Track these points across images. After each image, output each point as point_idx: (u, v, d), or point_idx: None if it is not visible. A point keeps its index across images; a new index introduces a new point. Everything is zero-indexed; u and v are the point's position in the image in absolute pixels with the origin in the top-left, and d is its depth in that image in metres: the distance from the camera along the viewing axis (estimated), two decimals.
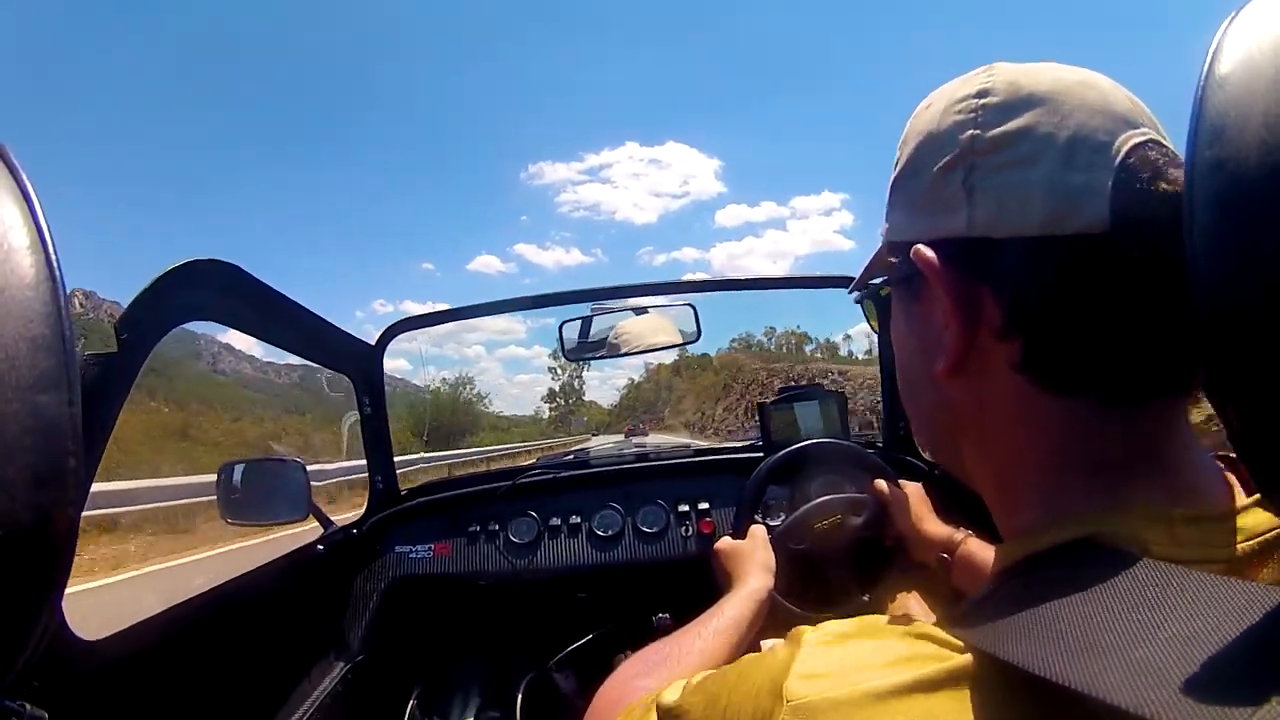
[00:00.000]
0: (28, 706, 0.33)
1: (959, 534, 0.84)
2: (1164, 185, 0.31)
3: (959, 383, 0.35)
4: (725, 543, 0.97)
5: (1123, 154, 0.31)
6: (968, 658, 0.26)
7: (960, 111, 0.35)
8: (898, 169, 0.38)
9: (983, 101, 0.34)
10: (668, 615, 1.18)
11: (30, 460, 0.25)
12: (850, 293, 0.48)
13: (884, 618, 0.32)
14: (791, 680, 0.29)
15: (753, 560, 0.90)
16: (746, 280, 1.46)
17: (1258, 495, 0.30)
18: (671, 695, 0.37)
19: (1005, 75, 0.35)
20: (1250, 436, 0.22)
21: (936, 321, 0.35)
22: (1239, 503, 0.30)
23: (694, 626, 0.74)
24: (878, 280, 0.42)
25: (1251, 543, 0.29)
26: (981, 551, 0.79)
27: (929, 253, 0.34)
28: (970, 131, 0.34)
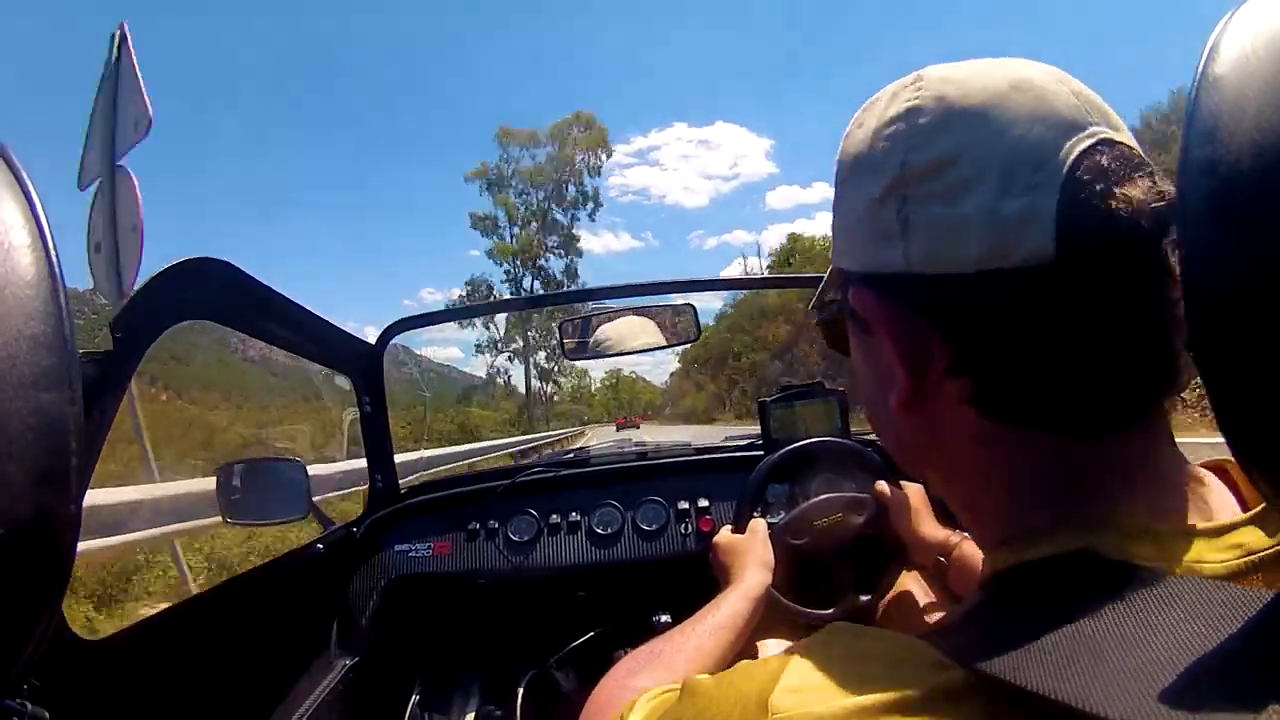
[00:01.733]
0: (28, 705, 0.33)
1: (955, 537, 0.84)
2: (1114, 204, 0.28)
3: (913, 416, 0.34)
4: (724, 537, 0.96)
5: (1068, 165, 0.29)
6: (957, 673, 0.26)
7: (889, 137, 0.33)
8: (834, 195, 0.37)
9: (911, 125, 0.32)
10: (668, 617, 1.18)
11: (32, 458, 0.25)
12: (809, 317, 0.47)
13: (876, 630, 0.32)
14: (777, 694, 0.28)
15: (751, 556, 0.89)
16: (747, 281, 1.47)
17: (1252, 512, 0.29)
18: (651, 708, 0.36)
19: (933, 88, 0.32)
20: (1252, 439, 0.22)
21: (885, 357, 0.33)
22: (1233, 519, 0.29)
23: (690, 624, 0.74)
24: (831, 306, 0.41)
25: (1245, 559, 0.28)
26: (976, 555, 0.79)
27: (868, 296, 0.33)
28: (899, 158, 0.32)
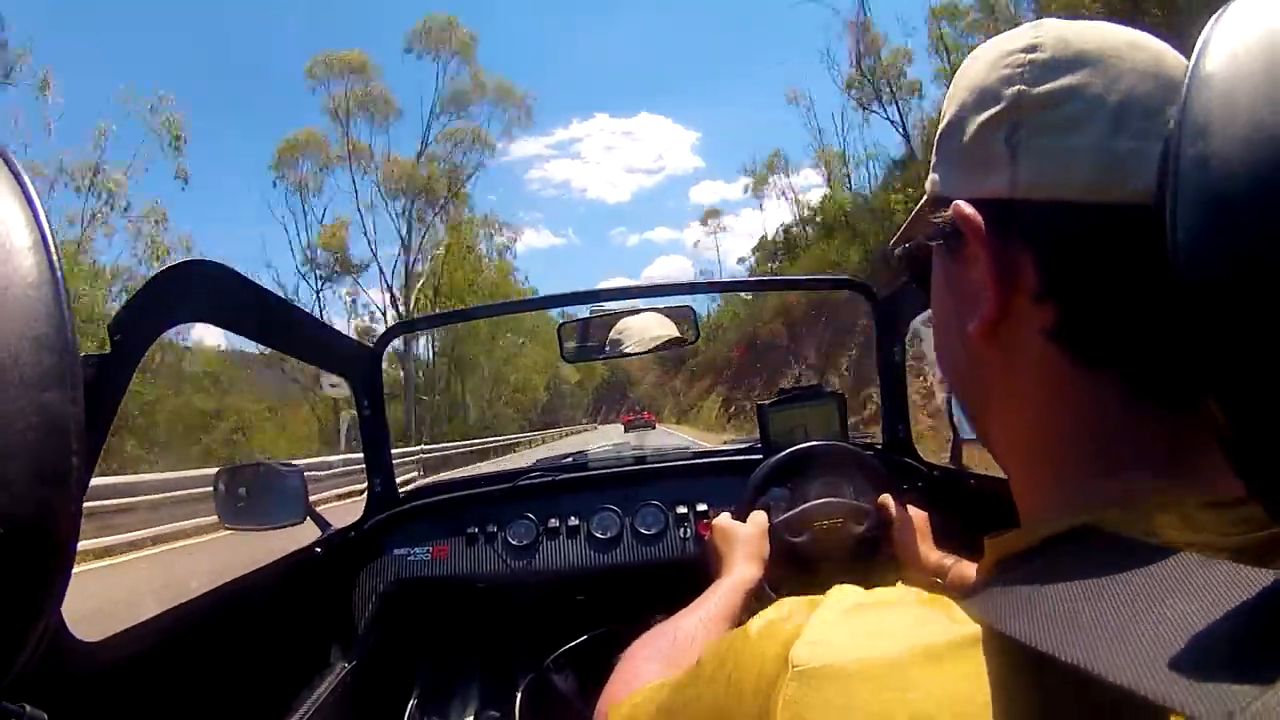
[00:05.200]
0: (27, 707, 0.33)
1: (949, 560, 0.85)
2: None
3: (991, 346, 0.35)
4: (724, 520, 0.97)
5: (1175, 122, 0.30)
6: (973, 630, 0.27)
7: (1007, 66, 0.34)
8: (944, 122, 0.38)
9: (1030, 57, 0.33)
10: (663, 618, 1.18)
11: (34, 458, 0.26)
12: (892, 248, 0.47)
13: (900, 588, 0.32)
14: (799, 646, 0.29)
15: (748, 546, 0.90)
16: (746, 282, 1.47)
17: None
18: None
19: (1054, 31, 0.34)
20: (1236, 432, 0.23)
21: (974, 281, 0.34)
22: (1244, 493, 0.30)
23: (687, 613, 0.75)
24: (920, 236, 0.41)
25: (1263, 533, 0.28)
26: (970, 578, 0.79)
27: (969, 210, 0.34)
28: (1016, 88, 0.33)
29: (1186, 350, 0.24)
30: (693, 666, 0.37)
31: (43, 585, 0.27)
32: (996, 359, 0.35)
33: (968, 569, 0.81)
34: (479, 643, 1.44)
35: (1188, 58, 0.25)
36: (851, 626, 0.29)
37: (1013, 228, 0.33)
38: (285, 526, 1.12)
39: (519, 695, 1.32)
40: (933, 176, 0.39)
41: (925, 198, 0.41)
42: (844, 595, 0.32)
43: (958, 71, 0.38)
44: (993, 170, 0.33)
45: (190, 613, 0.77)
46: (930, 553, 0.89)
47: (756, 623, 0.34)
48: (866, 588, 0.32)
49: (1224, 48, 0.24)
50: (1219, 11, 0.25)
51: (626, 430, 29.30)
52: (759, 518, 0.96)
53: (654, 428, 31.72)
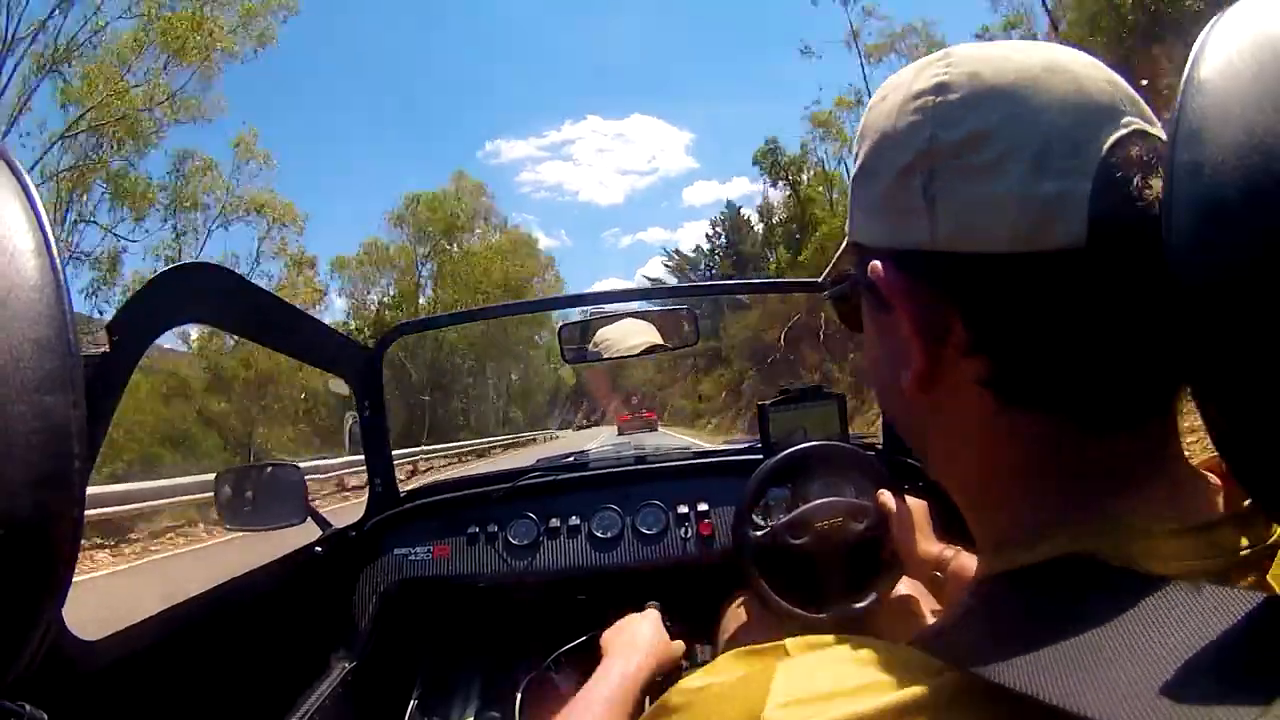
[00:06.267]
0: (27, 707, 0.33)
1: (950, 552, 0.84)
2: (1148, 194, 0.28)
3: (927, 396, 0.33)
4: (624, 620, 0.94)
5: (1103, 154, 0.29)
6: (948, 678, 0.26)
7: (916, 111, 0.32)
8: (856, 165, 0.36)
9: (939, 100, 0.31)
10: (657, 603, 1.18)
11: (35, 461, 0.26)
12: (820, 286, 0.47)
13: (859, 638, 0.30)
14: (770, 710, 0.27)
15: (640, 637, 0.87)
16: (748, 283, 1.48)
17: (1243, 506, 0.29)
18: None
19: (964, 65, 0.31)
20: (1233, 437, 0.23)
21: (902, 333, 0.33)
22: (1218, 516, 0.29)
23: (584, 697, 0.72)
24: (846, 282, 0.40)
25: (1227, 558, 0.27)
26: (972, 570, 0.78)
27: (887, 271, 0.32)
28: (928, 133, 0.31)
29: (1180, 352, 0.24)
30: (655, 708, 0.34)
31: (44, 586, 0.27)
32: (933, 407, 0.34)
33: (968, 561, 0.80)
34: (479, 642, 1.44)
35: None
36: (821, 683, 0.28)
37: (935, 281, 0.31)
38: (286, 526, 1.12)
39: (519, 695, 1.32)
40: (851, 221, 0.37)
41: (846, 242, 0.39)
42: (810, 647, 0.31)
43: (867, 108, 0.35)
44: (911, 221, 0.31)
45: (190, 612, 0.77)
46: (931, 545, 0.87)
47: (713, 682, 0.31)
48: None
49: (1218, 54, 0.24)
50: (1215, 18, 0.25)
51: (621, 433, 24.41)
52: (650, 611, 0.96)
53: (655, 429, 27.10)
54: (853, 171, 0.36)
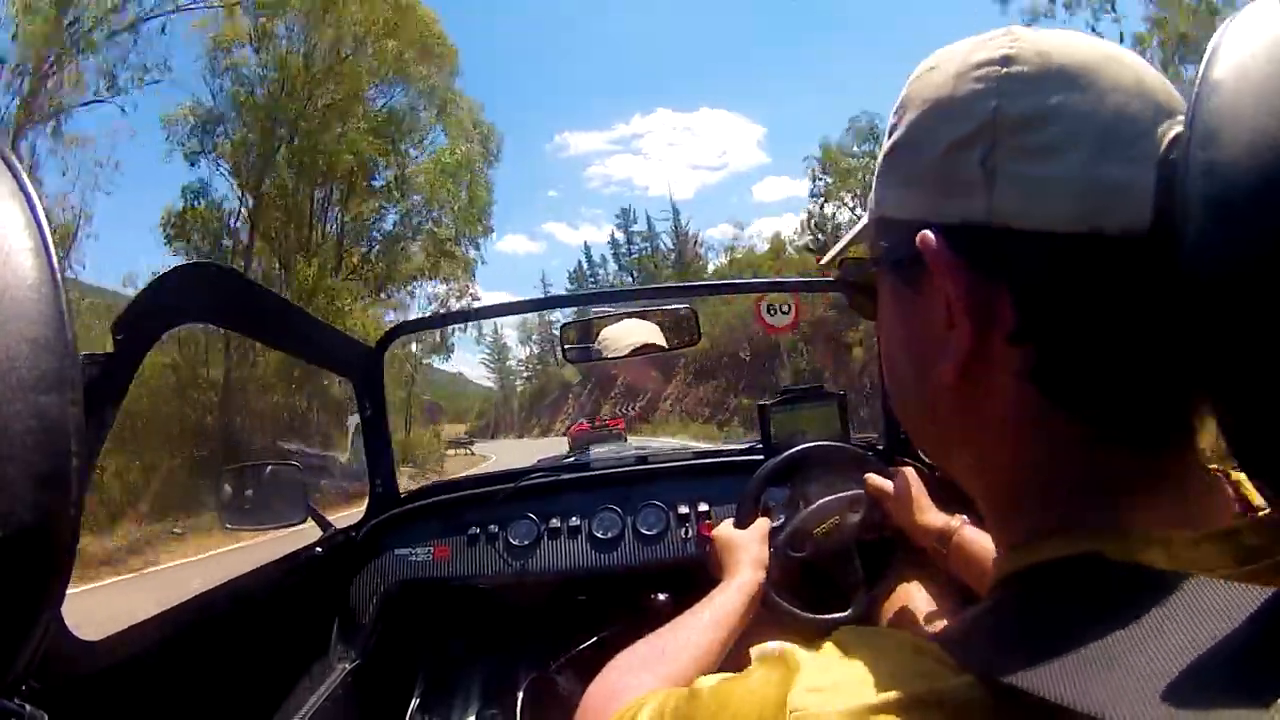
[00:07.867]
0: (27, 707, 0.33)
1: (954, 520, 0.82)
2: None
3: (962, 385, 0.31)
4: (724, 530, 0.96)
5: (1164, 146, 0.28)
6: (968, 678, 0.26)
7: (979, 79, 0.30)
8: (894, 138, 0.34)
9: (1007, 70, 0.30)
10: (665, 596, 1.18)
11: (33, 460, 0.26)
12: (824, 269, 0.46)
13: (887, 630, 0.31)
14: (796, 693, 0.28)
15: (746, 552, 0.89)
16: (747, 283, 1.47)
17: (1254, 514, 0.29)
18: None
19: (1030, 42, 0.30)
20: (1248, 437, 0.23)
21: (937, 317, 0.31)
22: (1236, 522, 0.29)
23: (686, 618, 0.74)
24: (863, 262, 0.39)
25: (1250, 566, 0.27)
26: (976, 538, 0.77)
27: (937, 242, 0.30)
28: (992, 103, 0.30)
29: (1194, 354, 0.23)
30: (687, 694, 0.34)
31: (42, 587, 0.27)
32: (964, 401, 0.32)
33: (971, 534, 0.79)
34: (480, 643, 1.44)
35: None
36: (846, 672, 0.28)
37: (988, 259, 0.30)
38: (287, 526, 1.12)
39: (520, 695, 1.32)
40: (879, 195, 0.35)
41: (867, 220, 0.37)
42: (839, 639, 0.31)
43: (911, 80, 0.34)
44: (964, 194, 0.30)
45: (191, 612, 0.77)
46: (932, 517, 0.86)
47: (755, 668, 0.32)
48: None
49: (1233, 55, 0.24)
50: (1229, 18, 0.25)
51: (573, 447, 10.19)
52: (761, 524, 0.96)
53: (624, 439, 23.65)
54: (885, 146, 0.35)
